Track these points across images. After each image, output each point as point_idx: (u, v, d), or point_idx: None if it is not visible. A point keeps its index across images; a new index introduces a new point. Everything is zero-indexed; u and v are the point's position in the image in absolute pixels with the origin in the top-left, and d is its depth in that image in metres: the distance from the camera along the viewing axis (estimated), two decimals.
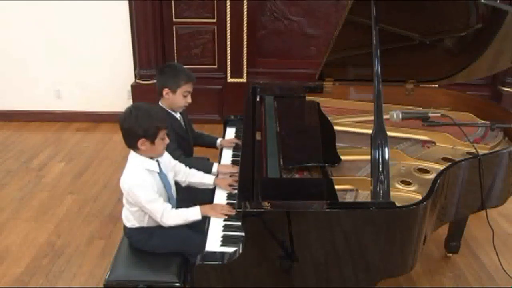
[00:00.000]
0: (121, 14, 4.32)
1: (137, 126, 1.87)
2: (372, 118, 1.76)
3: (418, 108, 2.60)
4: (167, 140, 1.97)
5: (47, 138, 4.31)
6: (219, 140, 2.64)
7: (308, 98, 2.68)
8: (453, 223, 2.55)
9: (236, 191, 2.04)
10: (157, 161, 1.98)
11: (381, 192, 1.59)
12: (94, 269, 2.56)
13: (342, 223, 1.52)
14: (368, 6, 1.98)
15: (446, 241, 2.67)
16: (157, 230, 2.00)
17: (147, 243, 2.01)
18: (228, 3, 4.20)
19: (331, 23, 4.36)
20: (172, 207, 1.99)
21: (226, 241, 1.74)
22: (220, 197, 2.09)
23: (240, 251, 1.54)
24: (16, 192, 3.35)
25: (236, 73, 4.45)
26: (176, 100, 2.37)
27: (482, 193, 1.99)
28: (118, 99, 4.43)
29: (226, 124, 2.86)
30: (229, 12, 4.23)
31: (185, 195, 2.20)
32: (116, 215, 2.90)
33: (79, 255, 2.68)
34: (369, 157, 1.68)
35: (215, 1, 4.27)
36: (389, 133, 1.74)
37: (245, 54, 4.38)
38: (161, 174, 1.99)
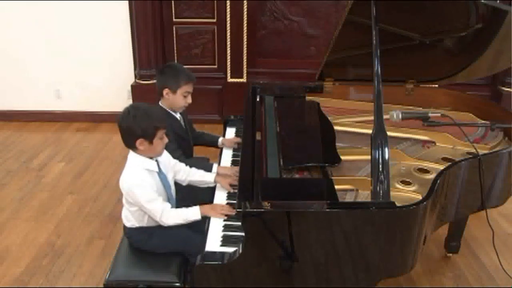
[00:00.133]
0: (121, 14, 4.32)
1: (135, 126, 1.87)
2: (372, 118, 1.76)
3: (418, 108, 2.60)
4: (166, 140, 1.97)
5: (47, 138, 4.31)
6: (220, 139, 2.64)
7: (308, 98, 2.68)
8: (453, 223, 2.55)
9: (236, 191, 2.04)
10: (156, 161, 1.98)
11: (381, 192, 1.59)
12: (94, 269, 2.56)
13: (342, 223, 1.52)
14: (368, 6, 1.98)
15: (446, 241, 2.67)
16: (157, 230, 2.00)
17: (147, 243, 2.01)
18: (228, 3, 4.20)
19: (331, 23, 4.36)
20: (172, 207, 1.99)
21: (226, 241, 1.74)
22: (220, 197, 2.09)
23: (240, 251, 1.54)
24: (16, 192, 3.35)
25: (236, 73, 4.45)
26: (176, 100, 2.37)
27: (482, 193, 1.99)
28: (118, 99, 4.43)
29: (226, 124, 2.86)
30: (229, 12, 4.24)
31: (185, 195, 2.20)
32: (116, 215, 2.90)
33: (79, 255, 2.68)
34: (369, 157, 1.68)
35: (215, 1, 4.27)
36: (389, 133, 1.74)
37: (245, 54, 4.38)
38: (160, 174, 1.99)
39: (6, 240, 2.82)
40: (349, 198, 1.80)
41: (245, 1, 4.19)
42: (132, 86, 4.46)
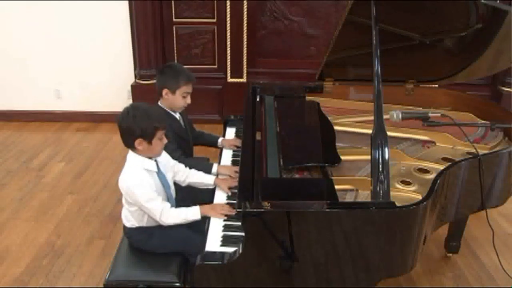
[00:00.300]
0: (121, 14, 4.32)
1: (135, 126, 1.87)
2: (372, 118, 1.76)
3: (418, 108, 2.60)
4: (165, 141, 1.97)
5: (47, 138, 4.31)
6: (220, 139, 2.64)
7: (308, 98, 2.68)
8: (453, 223, 2.55)
9: (235, 193, 2.04)
10: (155, 161, 1.98)
11: (381, 192, 1.59)
12: (94, 269, 2.56)
13: (342, 223, 1.52)
14: (368, 6, 1.98)
15: (446, 241, 2.67)
16: (157, 230, 2.00)
17: (147, 243, 2.01)
18: (228, 3, 4.20)
19: (331, 23, 4.36)
20: (171, 207, 1.98)
21: (226, 241, 1.74)
22: (220, 197, 2.09)
23: (240, 251, 1.54)
24: (16, 192, 3.35)
25: (236, 73, 4.45)
26: (175, 100, 2.37)
27: (482, 193, 1.99)
28: (118, 99, 4.42)
29: (226, 124, 2.86)
30: (229, 12, 4.23)
31: (185, 195, 2.20)
32: (116, 215, 2.90)
33: (79, 255, 2.68)
34: (369, 157, 1.68)
35: (215, 1, 4.27)
36: (389, 133, 1.74)
37: (245, 54, 4.38)
38: (160, 174, 1.99)
39: (6, 240, 2.82)
40: (349, 198, 1.80)
41: (245, 1, 4.19)
42: (132, 86, 4.46)
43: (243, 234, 1.55)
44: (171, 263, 1.93)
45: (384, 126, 1.71)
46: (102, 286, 1.89)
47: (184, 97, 2.37)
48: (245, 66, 4.42)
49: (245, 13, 4.23)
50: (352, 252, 1.55)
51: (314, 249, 1.53)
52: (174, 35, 4.45)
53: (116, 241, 2.33)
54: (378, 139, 1.67)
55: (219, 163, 2.43)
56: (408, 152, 2.13)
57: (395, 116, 1.81)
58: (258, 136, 2.16)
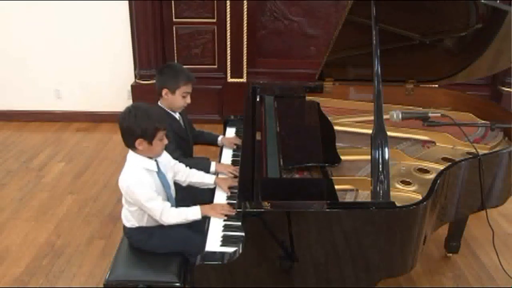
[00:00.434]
0: (121, 14, 4.32)
1: (136, 126, 1.87)
2: (372, 118, 1.76)
3: (418, 108, 2.60)
4: (165, 141, 1.97)
5: (47, 138, 4.31)
6: (220, 138, 2.64)
7: (308, 98, 2.68)
8: (453, 223, 2.55)
9: (235, 193, 2.04)
10: (155, 160, 1.98)
11: (381, 192, 1.59)
12: (94, 269, 2.56)
13: (342, 223, 1.52)
14: (368, 6, 1.98)
15: (446, 241, 2.67)
16: (157, 230, 2.00)
17: (147, 243, 2.01)
18: (228, 3, 4.20)
19: (331, 23, 4.36)
20: (171, 207, 1.98)
21: (226, 241, 1.74)
22: (220, 197, 2.09)
23: (240, 251, 1.54)
24: (16, 192, 3.35)
25: (236, 73, 4.45)
26: (175, 100, 2.37)
27: (482, 193, 1.99)
28: (118, 99, 4.43)
29: (226, 124, 2.86)
30: (229, 12, 4.23)
31: (185, 195, 2.20)
32: (116, 215, 2.90)
33: (79, 255, 2.68)
34: (369, 157, 1.68)
35: (215, 1, 4.27)
36: (389, 133, 1.74)
37: (245, 54, 4.38)
38: (160, 174, 1.99)
39: (6, 240, 2.82)
40: (349, 198, 1.80)
41: (245, 1, 4.19)
42: (132, 86, 4.46)
43: (243, 234, 1.55)
44: (171, 263, 1.93)
45: (384, 126, 1.71)
46: (102, 286, 1.89)
47: (184, 97, 2.37)
48: (245, 66, 4.42)
49: (245, 13, 4.23)
50: (352, 252, 1.55)
51: (314, 249, 1.53)
52: (174, 35, 4.45)
53: (116, 241, 2.33)
54: (378, 139, 1.67)
55: (219, 162, 2.43)
56: (408, 152, 2.13)
57: (395, 116, 1.80)
58: (258, 136, 2.16)
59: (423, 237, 1.64)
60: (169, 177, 2.07)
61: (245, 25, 4.27)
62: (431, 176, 1.91)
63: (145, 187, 1.91)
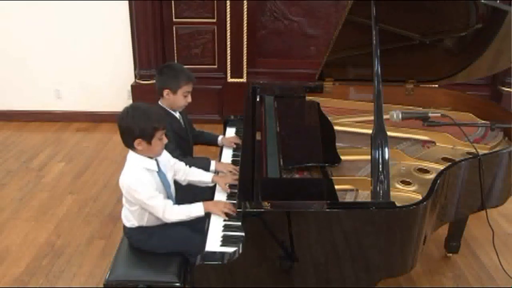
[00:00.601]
0: (121, 14, 4.32)
1: (134, 126, 1.87)
2: (372, 118, 1.76)
3: (418, 108, 2.60)
4: (165, 140, 1.97)
5: (47, 138, 4.31)
6: (220, 138, 2.64)
7: (308, 98, 2.68)
8: (453, 223, 2.55)
9: (233, 192, 2.04)
10: (155, 160, 1.98)
11: (381, 192, 1.59)
12: (94, 269, 2.56)
13: (342, 223, 1.52)
14: (368, 6, 1.98)
15: (446, 241, 2.67)
16: (157, 230, 2.00)
17: (147, 243, 2.01)
18: (228, 3, 4.20)
19: (331, 23, 4.36)
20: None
21: (226, 241, 1.74)
22: (220, 197, 2.09)
23: (240, 251, 1.54)
24: (16, 192, 3.35)
25: (236, 73, 4.45)
26: (176, 100, 2.37)
27: (482, 193, 1.99)
28: (118, 99, 4.42)
29: (226, 124, 2.86)
30: (229, 12, 4.23)
31: (185, 194, 2.20)
32: (116, 215, 2.90)
33: (79, 255, 2.68)
34: (369, 157, 1.68)
35: (215, 1, 4.27)
36: (389, 133, 1.74)
37: (245, 54, 4.38)
38: (160, 173, 1.99)
39: (6, 240, 2.81)
40: (349, 198, 1.80)
41: (245, 1, 4.19)
42: (132, 86, 4.46)
43: (243, 234, 1.55)
44: (171, 263, 1.93)
45: (384, 126, 1.71)
46: (102, 286, 1.89)
47: (185, 96, 2.37)
48: (245, 66, 4.42)
49: (245, 13, 4.23)
50: (352, 252, 1.55)
51: (314, 249, 1.53)
52: (174, 35, 4.45)
53: (116, 241, 2.33)
54: (378, 139, 1.67)
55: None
56: (408, 152, 2.13)
57: (395, 116, 1.81)
58: (258, 136, 2.16)
59: (423, 237, 1.64)
60: (169, 177, 2.07)
61: (245, 25, 4.27)
62: (431, 176, 1.91)
63: (146, 185, 1.90)
